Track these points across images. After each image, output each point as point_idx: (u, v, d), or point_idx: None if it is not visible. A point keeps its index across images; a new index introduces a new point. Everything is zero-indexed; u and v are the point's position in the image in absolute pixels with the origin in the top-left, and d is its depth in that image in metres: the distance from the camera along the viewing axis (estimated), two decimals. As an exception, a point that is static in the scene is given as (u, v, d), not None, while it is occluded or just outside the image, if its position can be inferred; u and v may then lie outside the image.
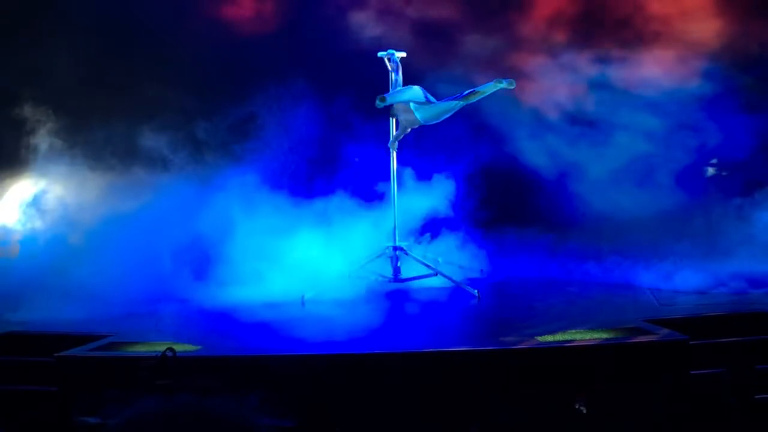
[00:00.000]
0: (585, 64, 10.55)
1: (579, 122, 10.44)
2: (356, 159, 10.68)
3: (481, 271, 9.14)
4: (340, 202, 10.13)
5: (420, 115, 9.04)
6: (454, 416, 6.19)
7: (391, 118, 9.59)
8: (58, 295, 8.42)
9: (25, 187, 10.06)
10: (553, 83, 10.05)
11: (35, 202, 9.89)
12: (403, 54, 9.53)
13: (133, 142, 10.08)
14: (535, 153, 10.53)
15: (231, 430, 1.79)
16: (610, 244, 10.16)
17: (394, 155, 9.63)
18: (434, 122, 9.16)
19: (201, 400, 1.83)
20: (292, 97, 10.48)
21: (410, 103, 9.00)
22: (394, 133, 9.60)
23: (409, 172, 10.44)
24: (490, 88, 8.82)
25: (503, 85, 8.79)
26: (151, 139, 10.00)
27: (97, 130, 9.91)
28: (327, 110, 10.62)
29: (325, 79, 10.68)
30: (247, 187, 9.79)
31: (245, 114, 10.55)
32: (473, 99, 8.93)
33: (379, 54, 9.57)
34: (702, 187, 10.52)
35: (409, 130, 9.46)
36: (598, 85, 10.50)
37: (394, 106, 9.23)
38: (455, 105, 8.95)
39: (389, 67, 9.52)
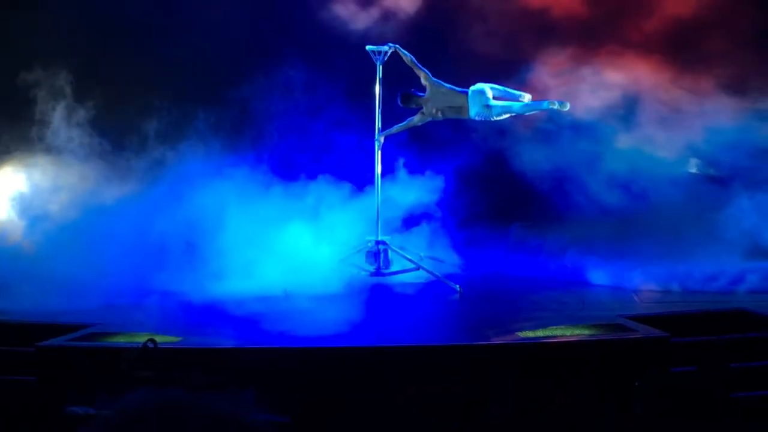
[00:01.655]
0: (564, 65, 10.58)
1: (566, 125, 10.45)
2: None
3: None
4: (326, 192, 10.08)
5: (479, 111, 9.25)
6: (437, 410, 6.20)
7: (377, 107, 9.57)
8: (40, 284, 8.35)
9: (8, 176, 9.98)
10: (540, 85, 10.09)
11: (18, 191, 9.82)
12: (391, 47, 9.49)
13: (118, 131, 10.03)
14: (518, 152, 10.54)
15: (224, 423, 1.79)
16: (591, 242, 10.19)
17: (378, 148, 9.58)
18: (479, 119, 9.34)
19: (194, 392, 1.83)
20: (278, 87, 10.48)
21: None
22: (392, 124, 9.56)
23: (394, 164, 10.44)
24: (544, 106, 9.21)
25: (556, 106, 9.15)
26: (137, 128, 9.97)
27: (80, 119, 9.83)
28: (314, 99, 10.63)
29: (313, 68, 10.67)
30: (233, 178, 9.73)
31: (231, 103, 10.52)
32: (527, 112, 9.34)
33: (374, 48, 9.51)
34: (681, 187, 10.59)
35: (420, 124, 9.49)
36: (581, 86, 10.51)
37: (433, 95, 9.28)
38: (512, 110, 9.28)
39: (376, 62, 9.48)
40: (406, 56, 9.38)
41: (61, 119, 9.69)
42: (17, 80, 9.80)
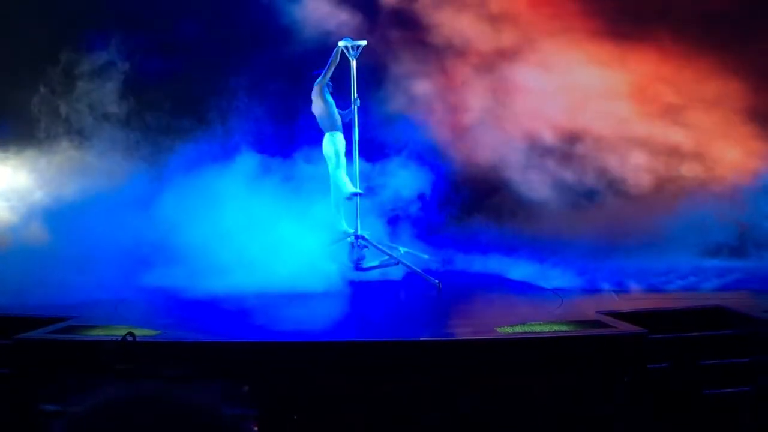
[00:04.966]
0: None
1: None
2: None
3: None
4: (304, 183, 10.04)
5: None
6: (413, 404, 6.22)
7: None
8: (20, 279, 8.28)
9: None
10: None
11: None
12: (364, 42, 9.46)
13: (100, 125, 9.98)
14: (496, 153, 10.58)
15: (194, 418, 1.79)
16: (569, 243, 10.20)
17: (356, 140, 9.56)
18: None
19: (164, 387, 1.83)
20: (256, 79, 10.48)
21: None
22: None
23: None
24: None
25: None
26: (118, 122, 9.94)
27: (62, 114, 9.79)
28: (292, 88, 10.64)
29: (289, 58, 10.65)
30: (213, 171, 9.67)
31: (213, 98, 10.48)
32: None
33: (349, 43, 9.39)
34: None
35: None
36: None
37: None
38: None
39: (350, 57, 9.44)
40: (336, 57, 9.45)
41: (42, 114, 9.67)
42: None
